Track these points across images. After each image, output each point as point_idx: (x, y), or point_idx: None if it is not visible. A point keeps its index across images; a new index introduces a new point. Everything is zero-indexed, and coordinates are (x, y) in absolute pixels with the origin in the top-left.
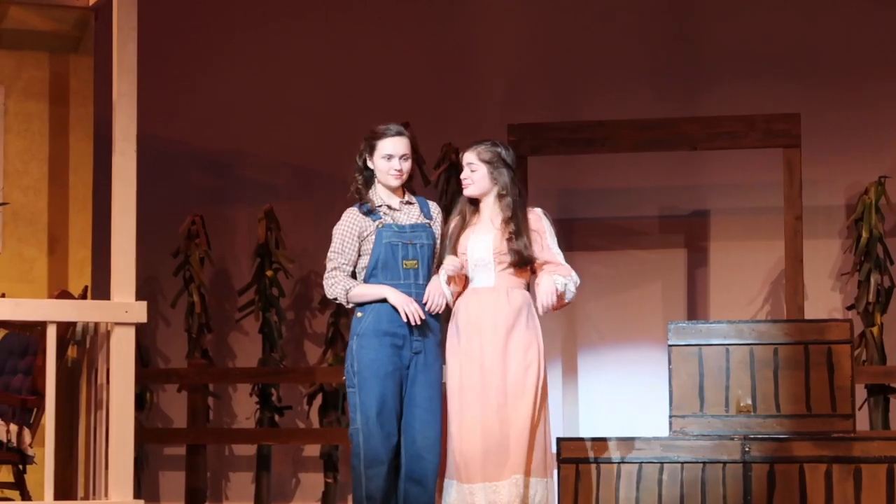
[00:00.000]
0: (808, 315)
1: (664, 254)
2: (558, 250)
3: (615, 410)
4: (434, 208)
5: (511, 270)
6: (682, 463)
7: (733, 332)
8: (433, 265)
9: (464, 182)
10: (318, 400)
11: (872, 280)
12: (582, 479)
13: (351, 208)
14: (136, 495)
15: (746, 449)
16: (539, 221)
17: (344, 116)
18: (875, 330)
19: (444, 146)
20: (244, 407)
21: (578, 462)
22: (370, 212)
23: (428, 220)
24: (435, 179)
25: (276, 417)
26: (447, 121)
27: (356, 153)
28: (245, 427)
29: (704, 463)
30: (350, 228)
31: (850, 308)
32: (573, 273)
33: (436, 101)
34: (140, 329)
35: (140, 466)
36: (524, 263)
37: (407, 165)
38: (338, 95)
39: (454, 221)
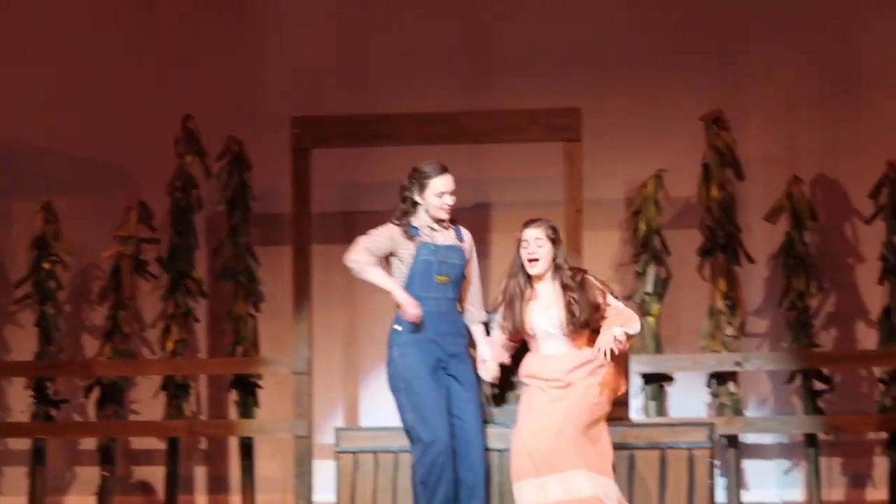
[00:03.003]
0: None
1: None
2: (616, 300)
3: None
4: (466, 234)
5: (576, 334)
6: None
7: None
8: (461, 282)
9: (531, 257)
10: (96, 393)
11: (650, 271)
12: (360, 469)
13: (392, 224)
14: None
15: None
16: (595, 281)
17: (125, 109)
18: (651, 319)
19: (227, 138)
20: (19, 400)
21: (357, 452)
22: (409, 235)
23: (460, 243)
24: (217, 171)
25: (52, 411)
26: (230, 113)
27: (402, 186)
28: (20, 421)
29: (490, 450)
30: (387, 237)
31: (627, 298)
32: (634, 317)
33: (219, 92)
34: None
35: None
36: (587, 327)
37: (454, 200)
38: (118, 87)
39: (508, 293)
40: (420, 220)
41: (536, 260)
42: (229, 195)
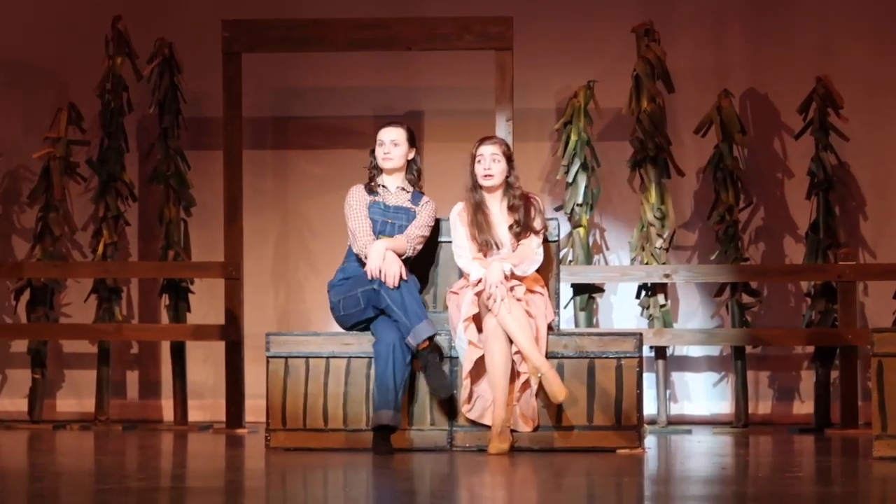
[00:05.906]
0: None
1: None
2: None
3: (325, 306)
4: (423, 200)
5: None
6: None
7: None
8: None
9: (486, 172)
10: (26, 295)
11: (580, 182)
12: (291, 374)
13: (357, 185)
14: None
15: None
16: (539, 211)
17: (55, 10)
18: (582, 231)
19: (157, 41)
20: None
21: (287, 357)
22: (370, 189)
23: (413, 206)
24: (148, 74)
25: None
26: (161, 15)
27: None
28: None
29: None
30: (358, 203)
31: (558, 209)
32: (533, 261)
33: None
34: None
35: None
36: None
37: (396, 151)
38: None
39: (469, 210)
40: (383, 178)
41: (491, 176)
42: (160, 98)
